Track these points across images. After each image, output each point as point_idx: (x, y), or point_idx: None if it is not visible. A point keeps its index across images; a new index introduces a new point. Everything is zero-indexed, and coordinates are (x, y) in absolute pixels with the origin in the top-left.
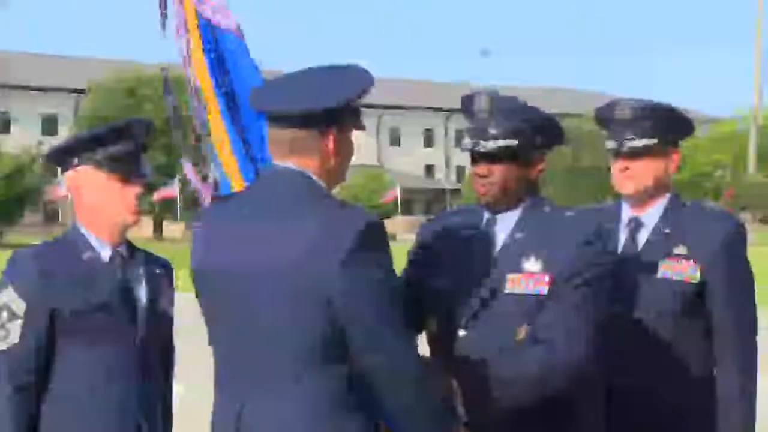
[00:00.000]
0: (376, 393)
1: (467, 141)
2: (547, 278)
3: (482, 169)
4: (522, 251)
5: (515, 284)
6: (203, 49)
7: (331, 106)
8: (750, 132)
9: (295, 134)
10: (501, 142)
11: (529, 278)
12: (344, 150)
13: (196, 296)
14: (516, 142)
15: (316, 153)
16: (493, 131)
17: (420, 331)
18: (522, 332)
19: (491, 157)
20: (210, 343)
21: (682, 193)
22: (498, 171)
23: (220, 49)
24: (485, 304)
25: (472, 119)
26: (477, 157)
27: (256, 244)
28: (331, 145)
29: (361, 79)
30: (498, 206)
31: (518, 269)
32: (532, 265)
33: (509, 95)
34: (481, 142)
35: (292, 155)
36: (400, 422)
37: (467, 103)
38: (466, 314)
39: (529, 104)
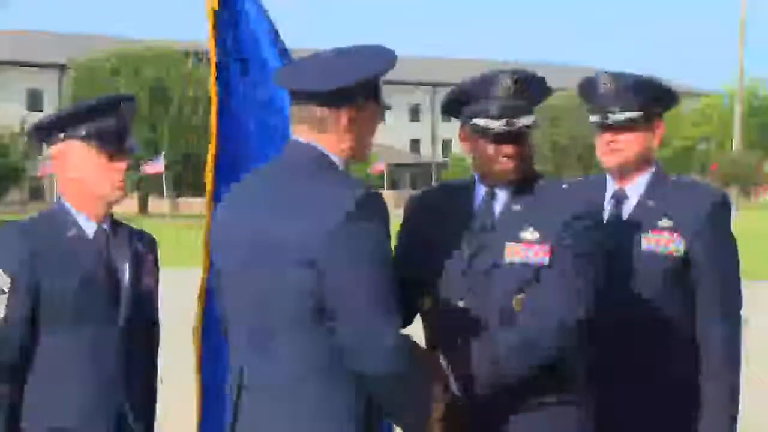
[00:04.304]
0: (354, 363)
1: (497, 123)
2: (547, 248)
3: (507, 148)
4: (520, 222)
5: (514, 253)
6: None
7: (345, 84)
8: (734, 106)
9: (312, 111)
10: (528, 119)
11: (528, 248)
12: (361, 128)
13: (212, 269)
14: (534, 117)
15: (331, 130)
16: (521, 108)
17: (415, 310)
18: (519, 301)
19: (516, 138)
20: (223, 312)
21: (668, 168)
22: (521, 149)
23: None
24: (484, 275)
25: (495, 101)
26: (501, 138)
27: (259, 219)
28: (345, 122)
29: (380, 59)
30: (511, 182)
31: (517, 239)
32: (530, 234)
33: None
34: (516, 122)
35: (309, 131)
36: (378, 395)
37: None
38: (465, 285)
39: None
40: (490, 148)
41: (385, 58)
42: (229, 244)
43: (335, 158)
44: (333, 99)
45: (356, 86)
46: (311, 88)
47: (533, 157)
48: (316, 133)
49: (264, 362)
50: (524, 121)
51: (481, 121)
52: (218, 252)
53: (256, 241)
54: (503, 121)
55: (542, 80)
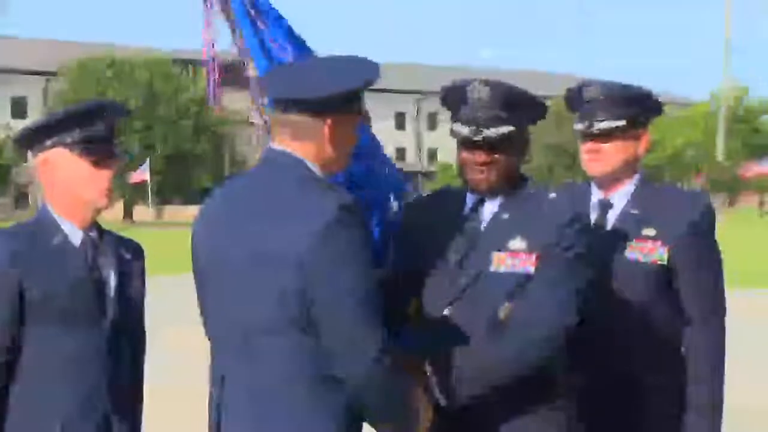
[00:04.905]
0: (336, 369)
1: (466, 130)
2: (533, 257)
3: (478, 156)
4: (507, 231)
5: (501, 263)
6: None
7: (329, 94)
8: (719, 112)
9: (294, 119)
10: (501, 129)
11: (515, 257)
12: (342, 138)
13: (194, 273)
14: (513, 128)
15: (312, 138)
16: (491, 118)
17: (406, 316)
18: (506, 310)
19: (488, 146)
20: (203, 318)
21: (655, 175)
22: (495, 158)
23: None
24: (471, 283)
25: (466, 107)
26: (472, 145)
27: (244, 223)
28: (326, 131)
29: (364, 71)
30: (491, 191)
31: (504, 248)
32: (517, 243)
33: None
34: (485, 131)
35: (290, 139)
36: (359, 401)
37: (455, 93)
38: (452, 293)
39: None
40: (464, 155)
41: (370, 69)
42: (213, 249)
43: (314, 167)
44: (316, 108)
45: (340, 96)
46: (294, 96)
47: (516, 166)
48: (297, 141)
49: (250, 365)
50: (497, 130)
51: (455, 127)
52: (200, 257)
53: (240, 248)
54: (472, 129)
55: (522, 92)
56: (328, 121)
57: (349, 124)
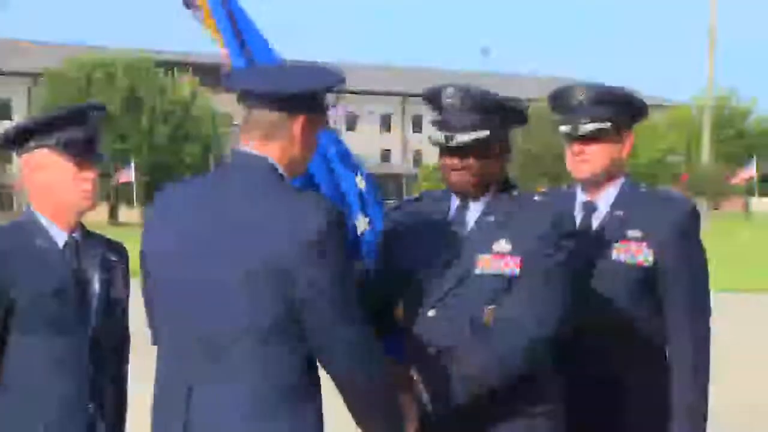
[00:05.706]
0: (329, 370)
1: (440, 136)
2: (518, 260)
3: (453, 161)
4: (492, 233)
5: (485, 265)
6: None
7: (300, 91)
8: (702, 118)
9: (265, 118)
10: (473, 134)
11: (499, 259)
12: (309, 140)
13: (142, 276)
14: (488, 132)
15: (281, 138)
16: (463, 123)
17: (393, 320)
18: (490, 313)
19: (462, 151)
20: (150, 324)
21: (638, 179)
22: (471, 163)
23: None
24: (455, 285)
25: (441, 113)
26: (446, 150)
27: (212, 227)
28: (296, 131)
29: (331, 74)
30: (472, 194)
31: (488, 250)
32: (502, 246)
33: (478, 88)
34: (456, 136)
35: (258, 140)
36: (352, 406)
37: (434, 95)
38: (436, 295)
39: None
40: (442, 159)
41: (336, 73)
42: (182, 258)
43: (281, 170)
44: (289, 105)
45: (313, 94)
46: (270, 90)
47: (496, 169)
48: (265, 142)
49: (226, 375)
50: (468, 136)
51: (431, 132)
52: (161, 265)
53: (218, 256)
54: (444, 134)
55: (496, 97)
56: (300, 119)
57: (317, 125)
